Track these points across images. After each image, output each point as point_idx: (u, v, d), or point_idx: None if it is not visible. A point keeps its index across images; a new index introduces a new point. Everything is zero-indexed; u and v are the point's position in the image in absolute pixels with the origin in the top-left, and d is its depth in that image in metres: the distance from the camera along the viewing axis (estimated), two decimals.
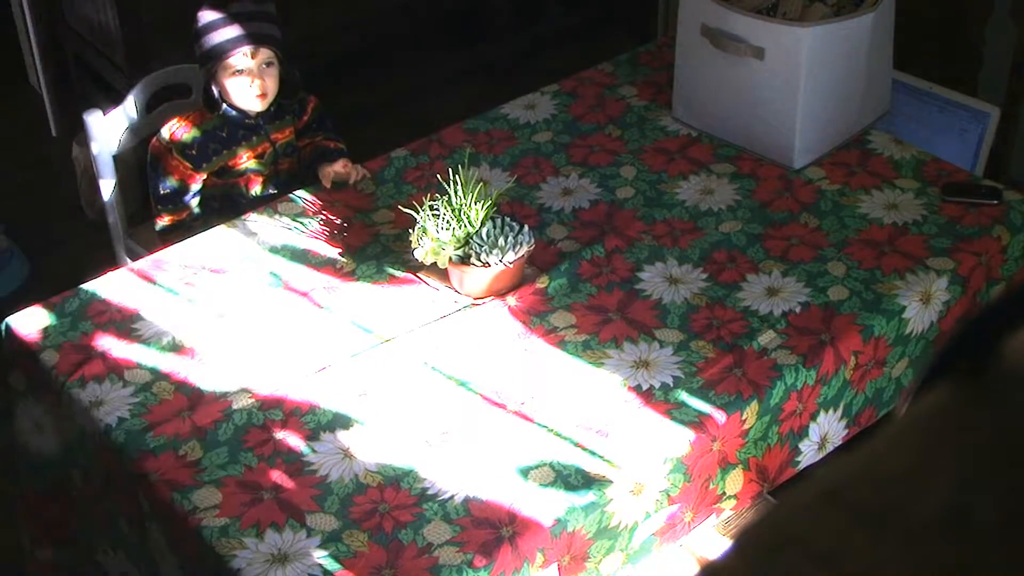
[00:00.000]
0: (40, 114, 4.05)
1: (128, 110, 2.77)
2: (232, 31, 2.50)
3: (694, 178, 2.61)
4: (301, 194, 2.55)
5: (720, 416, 2.03)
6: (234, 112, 2.57)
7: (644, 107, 2.84)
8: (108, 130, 2.74)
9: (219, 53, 2.50)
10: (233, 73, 2.52)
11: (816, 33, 2.49)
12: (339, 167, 2.56)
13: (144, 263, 2.40)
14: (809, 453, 2.21)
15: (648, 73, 2.96)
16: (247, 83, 2.53)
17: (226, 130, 2.59)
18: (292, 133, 2.67)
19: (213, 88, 2.55)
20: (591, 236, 2.44)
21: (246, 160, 2.62)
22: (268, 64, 2.54)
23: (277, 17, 2.58)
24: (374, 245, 2.43)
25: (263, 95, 2.55)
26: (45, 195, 3.78)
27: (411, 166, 2.64)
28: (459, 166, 2.30)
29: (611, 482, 1.92)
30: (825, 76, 2.56)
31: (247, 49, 2.50)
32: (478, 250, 2.23)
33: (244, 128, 2.60)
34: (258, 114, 2.59)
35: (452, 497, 1.90)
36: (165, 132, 2.60)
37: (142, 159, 2.90)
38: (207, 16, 2.51)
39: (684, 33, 2.72)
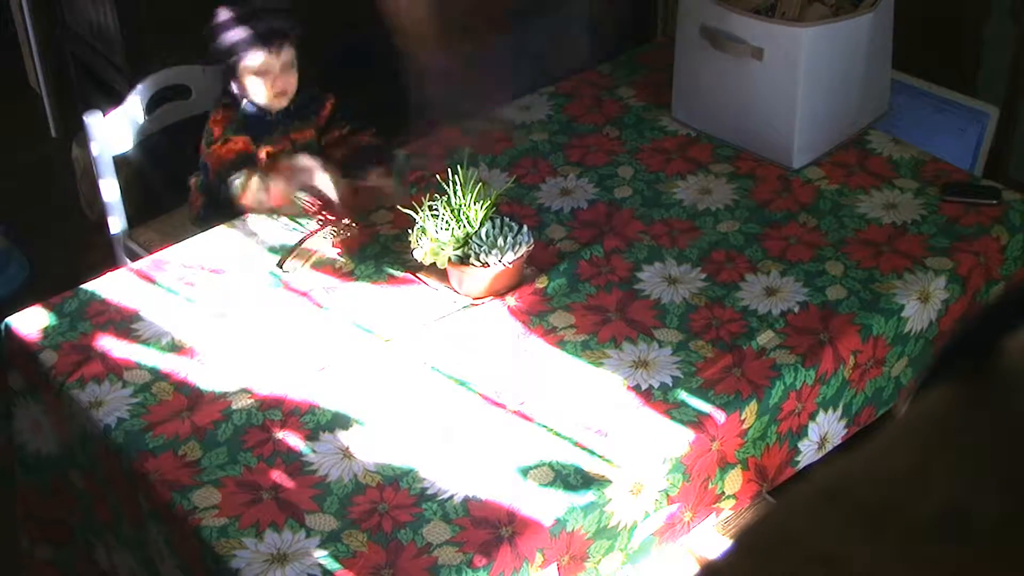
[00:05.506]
0: (40, 114, 4.05)
1: (128, 111, 2.77)
2: (257, 28, 2.47)
3: (692, 178, 2.61)
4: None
5: (719, 416, 2.03)
6: (253, 108, 2.55)
7: (643, 107, 2.84)
8: (108, 131, 2.74)
9: (242, 51, 2.48)
10: (255, 72, 2.49)
11: (815, 33, 2.49)
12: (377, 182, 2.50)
13: (144, 263, 2.40)
14: (808, 453, 2.21)
15: (646, 73, 2.97)
16: (268, 82, 2.50)
17: (246, 129, 2.55)
18: (313, 135, 2.65)
19: (232, 85, 2.53)
20: (590, 236, 2.44)
21: (266, 156, 2.57)
22: (289, 64, 2.52)
23: (293, 16, 2.56)
24: (373, 245, 2.43)
25: (283, 93, 2.53)
26: (45, 195, 3.78)
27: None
28: (458, 166, 2.30)
29: (610, 482, 1.92)
30: (824, 76, 2.56)
31: (272, 48, 2.48)
32: (477, 250, 2.23)
33: (263, 125, 2.56)
34: (277, 112, 2.56)
35: (451, 497, 1.90)
36: (210, 134, 2.54)
37: (142, 160, 2.90)
38: (228, 12, 2.49)
39: (683, 33, 2.72)
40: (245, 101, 2.54)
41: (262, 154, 2.55)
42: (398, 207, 2.42)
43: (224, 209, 2.54)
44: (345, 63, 3.36)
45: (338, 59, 3.30)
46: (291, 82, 2.53)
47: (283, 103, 2.55)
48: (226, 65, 2.51)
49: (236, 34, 2.48)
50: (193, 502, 1.89)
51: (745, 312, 2.24)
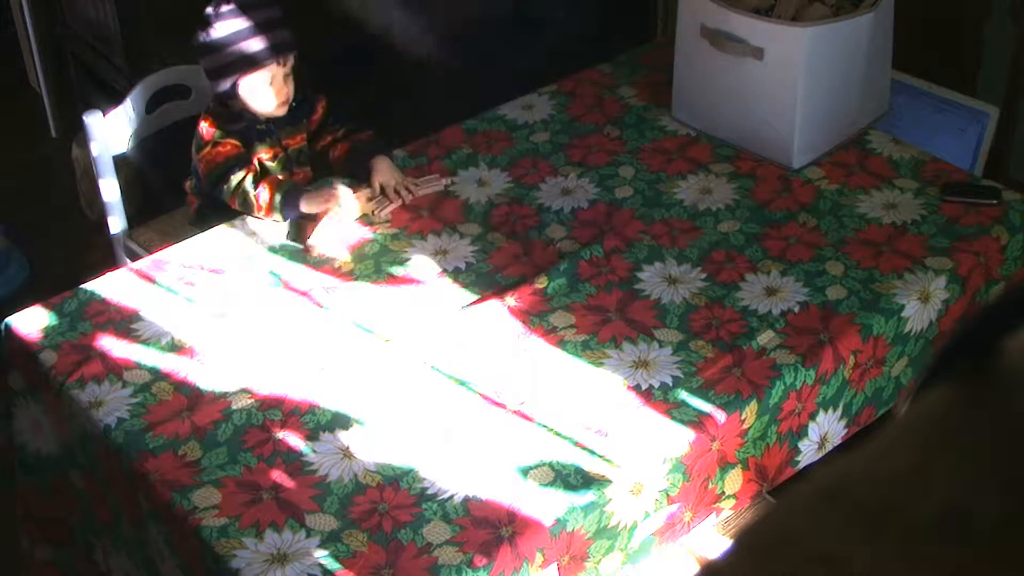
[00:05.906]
0: (40, 114, 4.05)
1: (128, 111, 2.77)
2: (259, 42, 2.44)
3: (692, 178, 2.61)
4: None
5: (719, 416, 2.03)
6: (245, 118, 2.53)
7: (643, 107, 2.84)
8: (108, 131, 2.73)
9: (248, 66, 2.45)
10: (261, 85, 2.47)
11: (815, 33, 2.49)
12: (367, 203, 2.49)
13: (144, 263, 2.40)
14: (808, 453, 2.21)
15: (647, 73, 2.97)
16: (272, 92, 2.48)
17: (238, 137, 2.53)
18: (304, 140, 2.64)
19: (230, 97, 2.50)
20: (590, 236, 2.44)
21: (257, 161, 2.56)
22: (291, 71, 2.51)
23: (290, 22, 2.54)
24: (372, 245, 2.43)
25: (285, 102, 2.52)
26: (45, 195, 3.78)
27: (409, 167, 2.64)
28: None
29: (610, 482, 1.92)
30: (824, 76, 2.56)
31: (280, 61, 2.46)
32: None
33: (256, 131, 2.54)
34: (268, 120, 2.54)
35: (452, 497, 1.90)
36: (200, 139, 2.52)
37: (142, 160, 2.90)
38: (227, 28, 2.44)
39: (683, 33, 2.72)
40: (239, 110, 2.51)
41: (255, 161, 2.54)
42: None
43: (221, 211, 2.54)
44: (337, 63, 3.36)
45: (330, 59, 3.30)
46: (291, 89, 2.52)
47: (284, 110, 2.53)
48: (231, 82, 2.49)
49: (242, 48, 2.44)
50: (193, 502, 1.89)
51: (745, 312, 2.24)
